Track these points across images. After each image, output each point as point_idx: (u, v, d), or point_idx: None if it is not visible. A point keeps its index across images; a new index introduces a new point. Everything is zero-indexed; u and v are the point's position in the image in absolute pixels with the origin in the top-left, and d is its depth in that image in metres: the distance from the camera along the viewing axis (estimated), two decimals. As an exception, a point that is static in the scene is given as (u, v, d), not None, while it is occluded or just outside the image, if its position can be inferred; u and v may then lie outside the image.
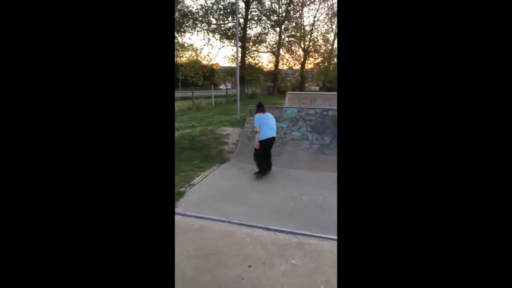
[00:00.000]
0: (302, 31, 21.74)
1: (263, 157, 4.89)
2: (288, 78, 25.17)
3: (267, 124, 4.81)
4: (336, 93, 11.86)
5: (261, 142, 4.76)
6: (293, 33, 21.59)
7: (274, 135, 4.89)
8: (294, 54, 22.73)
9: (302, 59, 22.73)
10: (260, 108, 4.99)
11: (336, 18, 21.47)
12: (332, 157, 6.13)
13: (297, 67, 23.37)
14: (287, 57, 22.86)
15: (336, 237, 2.27)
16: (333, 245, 2.09)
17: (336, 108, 7.21)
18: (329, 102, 9.02)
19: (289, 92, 11.37)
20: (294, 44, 22.26)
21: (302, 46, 22.33)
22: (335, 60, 23.08)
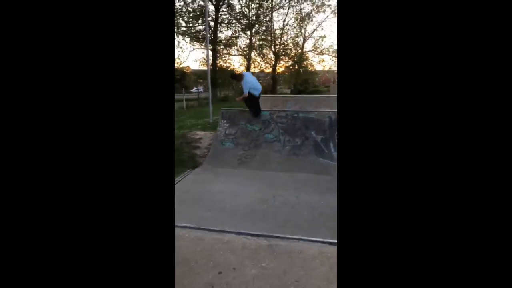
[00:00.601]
0: (273, 35, 22.08)
1: (257, 104, 6.24)
2: (260, 81, 25.42)
3: (256, 82, 6.15)
4: (306, 95, 12.16)
5: (259, 94, 6.19)
6: (263, 36, 21.85)
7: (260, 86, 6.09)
8: (265, 57, 23.01)
9: (273, 62, 23.07)
10: (237, 76, 6.22)
11: (304, 23, 22.06)
12: (304, 158, 6.25)
13: (269, 70, 23.67)
14: (258, 60, 23.09)
15: (304, 238, 2.29)
16: (303, 246, 2.10)
17: (306, 110, 7.38)
18: (300, 104, 9.20)
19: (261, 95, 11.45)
20: (265, 47, 22.54)
21: (273, 49, 22.67)
22: (305, 63, 23.69)
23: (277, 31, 22.34)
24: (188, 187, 4.51)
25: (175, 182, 4.62)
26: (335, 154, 6.14)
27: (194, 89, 25.48)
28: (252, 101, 6.13)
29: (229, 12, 19.87)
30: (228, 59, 21.91)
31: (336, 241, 2.25)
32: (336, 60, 22.97)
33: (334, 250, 2.07)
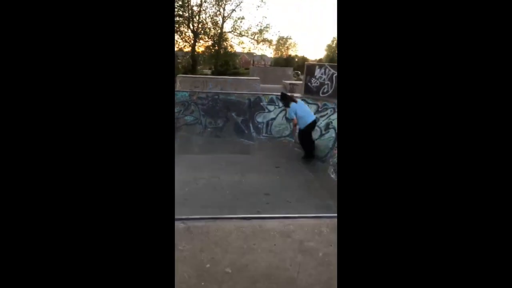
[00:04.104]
0: (190, 11, 20.90)
1: (308, 140, 5.27)
2: (179, 60, 24.04)
3: (304, 111, 5.20)
4: (227, 77, 12.13)
5: (305, 127, 5.14)
6: (180, 12, 20.49)
7: (314, 118, 5.28)
8: (184, 35, 21.76)
9: (192, 41, 22.02)
10: (288, 99, 5.33)
11: (223, 2, 21.52)
12: (225, 139, 6.34)
13: (188, 49, 22.55)
14: (176, 38, 21.64)
15: (221, 216, 2.37)
16: (220, 224, 2.17)
17: (227, 92, 7.39)
18: (220, 86, 9.14)
19: (180, 75, 10.89)
20: (183, 24, 21.24)
21: (191, 27, 21.56)
22: (225, 44, 23.37)
23: (195, 8, 21.24)
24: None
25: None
26: (254, 134, 6.42)
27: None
28: (308, 134, 5.29)
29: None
30: (141, 35, 19.88)
31: (250, 215, 2.40)
32: (255, 42, 23.38)
33: (249, 224, 2.21)
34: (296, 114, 5.14)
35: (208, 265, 1.75)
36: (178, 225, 2.05)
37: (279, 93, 5.94)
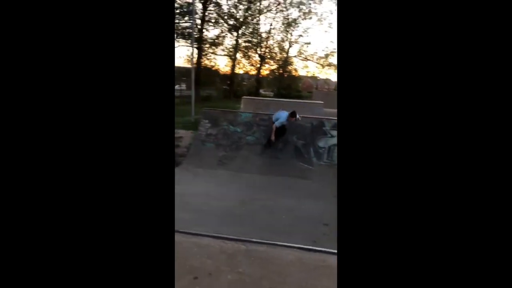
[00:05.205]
0: (259, 37, 22.17)
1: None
2: (244, 83, 25.40)
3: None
4: (289, 100, 12.28)
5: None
6: (250, 38, 21.88)
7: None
8: (251, 59, 23.05)
9: (258, 65, 23.15)
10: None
11: (291, 28, 22.30)
12: (284, 161, 6.30)
13: (253, 72, 23.73)
14: (243, 62, 23.08)
15: (282, 243, 2.29)
16: (280, 252, 2.10)
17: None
18: (282, 108, 9.26)
19: (244, 97, 11.43)
20: (251, 49, 22.58)
21: (259, 52, 22.76)
22: (289, 68, 23.94)
23: (264, 34, 22.46)
24: (165, 187, 4.40)
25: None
26: (314, 159, 6.24)
27: (176, 87, 25.03)
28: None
29: (217, 11, 19.74)
30: (213, 59, 21.73)
31: (313, 247, 2.27)
32: (320, 66, 23.40)
33: (311, 256, 2.09)
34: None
35: (268, 295, 1.69)
36: (239, 246, 2.04)
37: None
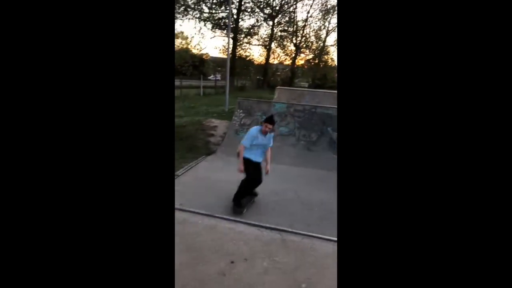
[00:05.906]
0: (295, 26, 21.64)
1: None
2: (279, 73, 25.11)
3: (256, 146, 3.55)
4: (324, 90, 11.94)
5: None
6: (285, 28, 21.46)
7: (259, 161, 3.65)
8: (286, 49, 22.65)
9: (293, 55, 22.70)
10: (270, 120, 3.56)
11: (329, 15, 21.44)
12: (318, 154, 6.19)
13: (288, 62, 23.34)
14: (278, 52, 22.77)
15: (318, 235, 2.28)
16: (315, 243, 2.09)
17: (324, 105, 7.25)
18: (317, 99, 9.05)
19: (278, 87, 11.33)
20: (286, 39, 22.16)
21: (294, 41, 22.26)
22: (326, 57, 23.15)
23: (300, 23, 21.86)
24: (201, 174, 4.56)
25: (188, 168, 4.68)
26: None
27: (211, 77, 25.54)
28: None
29: (253, 0, 19.56)
30: (248, 49, 21.75)
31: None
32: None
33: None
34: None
35: (303, 285, 1.70)
36: (274, 234, 2.07)
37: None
